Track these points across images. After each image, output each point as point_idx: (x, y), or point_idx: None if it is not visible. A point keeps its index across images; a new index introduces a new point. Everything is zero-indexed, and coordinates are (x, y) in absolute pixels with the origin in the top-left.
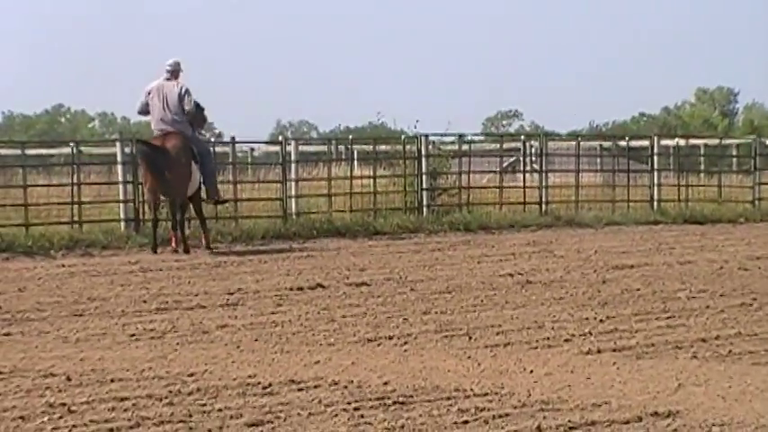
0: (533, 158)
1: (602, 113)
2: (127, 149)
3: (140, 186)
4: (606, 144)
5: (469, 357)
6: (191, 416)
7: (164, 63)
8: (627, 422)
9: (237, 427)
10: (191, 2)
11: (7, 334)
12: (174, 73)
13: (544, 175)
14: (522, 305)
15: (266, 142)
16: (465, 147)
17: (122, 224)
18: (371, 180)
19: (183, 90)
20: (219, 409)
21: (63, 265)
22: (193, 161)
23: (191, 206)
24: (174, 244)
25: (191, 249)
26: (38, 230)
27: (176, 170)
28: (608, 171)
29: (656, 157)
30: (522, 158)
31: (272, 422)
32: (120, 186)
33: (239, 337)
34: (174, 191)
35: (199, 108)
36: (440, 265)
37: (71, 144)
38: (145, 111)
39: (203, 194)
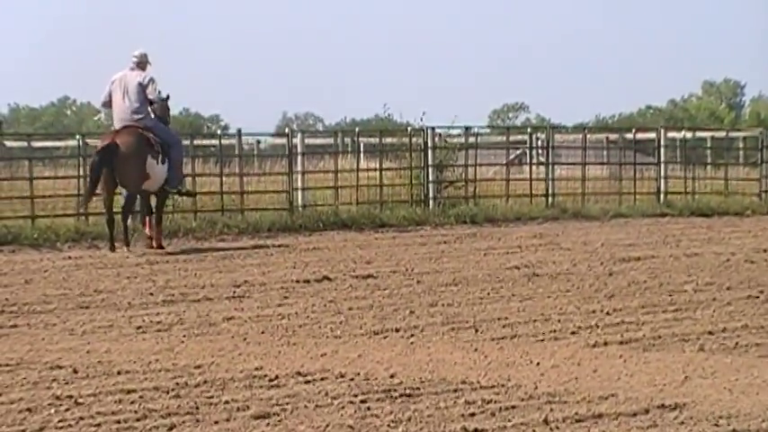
0: (540, 151)
1: (608, 106)
2: None
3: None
4: (613, 136)
5: (476, 350)
6: (197, 408)
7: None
8: (634, 414)
9: (244, 420)
10: None
11: (14, 326)
12: (141, 65)
13: (550, 167)
14: (528, 298)
15: (272, 134)
16: (471, 139)
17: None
18: (378, 172)
19: (147, 79)
20: (226, 402)
21: (69, 258)
22: (152, 155)
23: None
24: (147, 232)
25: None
26: (44, 223)
27: (126, 166)
28: (614, 163)
29: (662, 150)
30: (528, 151)
31: (278, 414)
32: None
33: (246, 329)
34: (126, 186)
35: (163, 99)
36: (446, 258)
37: (77, 136)
38: (108, 102)
39: (165, 182)
